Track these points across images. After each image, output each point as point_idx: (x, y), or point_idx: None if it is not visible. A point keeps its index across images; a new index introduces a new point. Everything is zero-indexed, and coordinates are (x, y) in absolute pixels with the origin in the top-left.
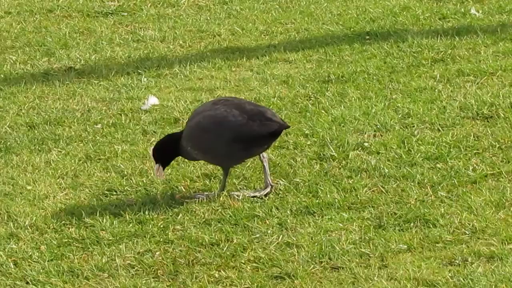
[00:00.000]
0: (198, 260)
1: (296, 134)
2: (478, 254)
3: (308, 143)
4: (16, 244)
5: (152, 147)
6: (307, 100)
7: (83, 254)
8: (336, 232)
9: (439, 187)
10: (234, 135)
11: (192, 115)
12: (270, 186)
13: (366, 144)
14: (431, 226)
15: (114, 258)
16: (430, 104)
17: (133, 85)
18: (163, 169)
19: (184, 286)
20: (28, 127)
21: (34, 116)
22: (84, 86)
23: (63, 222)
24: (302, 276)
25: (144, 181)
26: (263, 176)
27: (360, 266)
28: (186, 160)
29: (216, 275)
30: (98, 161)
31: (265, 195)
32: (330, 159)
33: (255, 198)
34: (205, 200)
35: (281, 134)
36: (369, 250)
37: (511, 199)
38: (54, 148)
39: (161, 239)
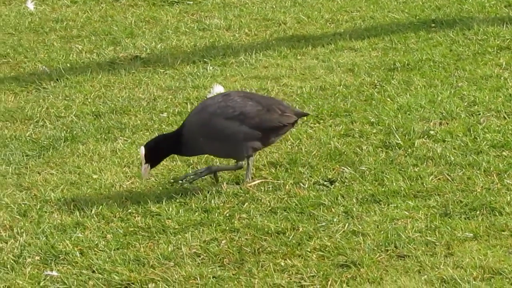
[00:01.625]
0: (264, 249)
1: (361, 122)
2: None
3: (374, 131)
4: (83, 233)
5: (143, 146)
6: (372, 88)
7: (149, 243)
8: (402, 220)
9: (505, 175)
10: (256, 125)
11: (198, 109)
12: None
13: (432, 132)
14: (497, 214)
15: (180, 247)
16: (496, 91)
17: (198, 73)
18: (151, 169)
19: (250, 275)
20: (94, 116)
21: (100, 105)
22: (150, 75)
23: (129, 211)
24: (367, 265)
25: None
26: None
27: (426, 254)
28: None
29: (282, 264)
30: None
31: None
32: (396, 147)
33: (321, 187)
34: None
35: (345, 122)
36: (435, 238)
37: None
38: (120, 137)
39: (227, 228)
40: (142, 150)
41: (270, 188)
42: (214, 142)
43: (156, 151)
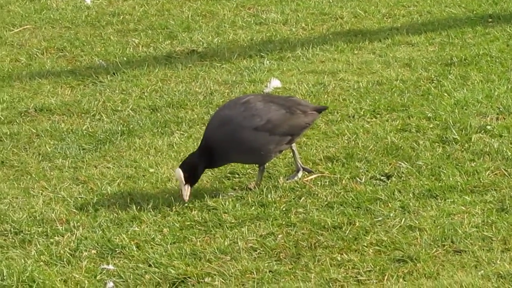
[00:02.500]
0: (320, 243)
1: (418, 117)
2: None
3: (431, 126)
4: (139, 227)
5: (179, 168)
6: (429, 83)
7: (206, 237)
8: (459, 215)
9: None
10: (286, 132)
11: (220, 120)
12: (301, 169)
13: (488, 127)
14: None
15: (236, 241)
16: None
17: (255, 67)
18: (191, 188)
19: (306, 269)
20: (151, 110)
21: (157, 99)
22: (207, 69)
23: (185, 205)
24: (424, 259)
25: (267, 164)
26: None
27: (483, 249)
28: (308, 143)
29: (338, 258)
30: None
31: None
32: (453, 142)
33: (377, 182)
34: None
35: (402, 117)
36: (491, 233)
37: None
38: (177, 131)
39: (284, 222)
40: (179, 172)
41: (327, 183)
42: (243, 153)
43: (194, 171)
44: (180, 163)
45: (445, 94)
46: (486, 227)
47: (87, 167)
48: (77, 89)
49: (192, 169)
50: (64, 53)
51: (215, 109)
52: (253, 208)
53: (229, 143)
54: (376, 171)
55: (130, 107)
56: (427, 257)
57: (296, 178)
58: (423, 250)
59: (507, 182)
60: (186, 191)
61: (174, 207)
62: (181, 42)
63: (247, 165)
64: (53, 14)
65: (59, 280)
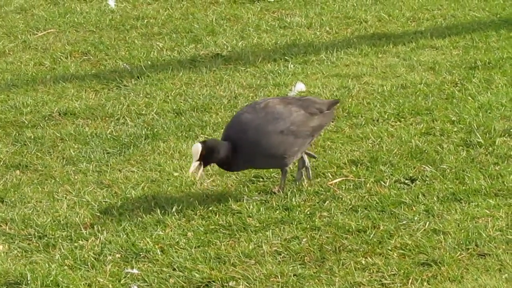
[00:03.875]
0: (344, 247)
1: (442, 120)
2: None
3: (455, 129)
4: (163, 231)
5: (200, 144)
6: (453, 86)
7: (230, 241)
8: (483, 218)
9: None
10: (309, 133)
11: (242, 126)
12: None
13: None
14: None
15: (261, 245)
16: None
17: (280, 71)
18: (202, 168)
19: (330, 273)
20: (175, 114)
21: (181, 102)
22: (231, 72)
23: (210, 208)
24: (448, 263)
25: (291, 167)
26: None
27: (507, 253)
28: (332, 146)
29: (363, 262)
30: None
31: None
32: (477, 146)
33: (402, 185)
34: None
35: (426, 121)
36: None
37: None
38: (201, 135)
39: (308, 226)
40: (198, 147)
41: (351, 186)
42: (270, 157)
43: (212, 152)
44: (203, 140)
45: (469, 97)
46: (510, 230)
47: (111, 171)
48: (101, 93)
49: (212, 150)
50: (88, 56)
51: None
52: (277, 211)
53: (255, 148)
54: (401, 175)
55: (155, 111)
56: (451, 260)
57: (303, 176)
58: (448, 253)
59: None
60: (196, 168)
61: (198, 211)
62: (206, 45)
63: (271, 169)
64: (77, 18)
65: (83, 284)
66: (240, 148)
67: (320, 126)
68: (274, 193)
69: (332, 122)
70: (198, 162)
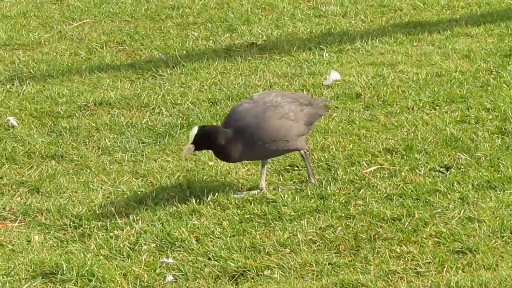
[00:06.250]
0: (379, 235)
1: (477, 108)
2: None
3: (490, 117)
4: (198, 220)
5: (197, 128)
6: (488, 74)
7: (265, 230)
8: None
9: None
10: (305, 118)
11: (241, 114)
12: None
13: None
14: None
15: (296, 234)
16: None
17: (315, 60)
18: (194, 150)
19: (365, 261)
20: (210, 103)
21: (216, 92)
22: (266, 61)
23: (245, 198)
24: (483, 251)
25: (326, 156)
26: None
27: None
28: (367, 135)
29: (398, 250)
30: None
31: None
32: None
33: (437, 173)
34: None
35: (461, 109)
36: None
37: None
38: None
39: (343, 214)
40: (194, 131)
41: (386, 175)
42: (270, 143)
43: (209, 139)
44: (203, 125)
45: (504, 85)
46: None
47: (147, 161)
48: (137, 82)
49: (207, 136)
50: (124, 46)
51: None
52: (312, 200)
53: (255, 133)
54: (435, 163)
55: (190, 100)
56: (486, 248)
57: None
58: (482, 241)
59: None
60: (188, 149)
61: (233, 200)
62: (241, 35)
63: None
64: (113, 8)
65: (119, 274)
66: (240, 135)
67: (316, 114)
68: (309, 182)
69: (325, 114)
70: (192, 145)
